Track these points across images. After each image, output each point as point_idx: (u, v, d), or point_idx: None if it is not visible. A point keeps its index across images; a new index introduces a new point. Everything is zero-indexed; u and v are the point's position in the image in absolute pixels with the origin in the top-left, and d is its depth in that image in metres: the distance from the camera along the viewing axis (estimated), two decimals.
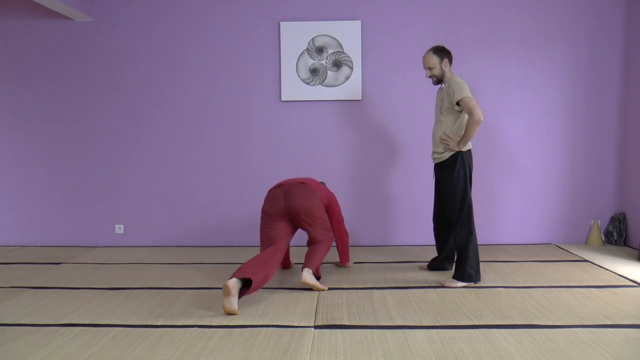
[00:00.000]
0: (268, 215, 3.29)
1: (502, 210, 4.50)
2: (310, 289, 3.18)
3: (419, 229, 4.43)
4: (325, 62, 4.42)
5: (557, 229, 4.52)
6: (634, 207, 4.33)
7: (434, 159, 3.46)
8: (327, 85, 4.43)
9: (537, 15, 4.38)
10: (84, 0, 4.34)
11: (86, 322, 2.64)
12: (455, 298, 3.00)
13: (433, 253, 3.76)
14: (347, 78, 4.42)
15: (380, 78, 4.44)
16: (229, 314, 2.73)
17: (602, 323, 2.57)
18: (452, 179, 3.27)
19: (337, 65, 4.42)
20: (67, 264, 3.94)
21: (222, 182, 4.55)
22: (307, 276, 3.13)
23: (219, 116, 4.52)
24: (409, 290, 3.17)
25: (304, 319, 2.66)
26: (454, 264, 3.41)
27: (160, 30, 4.50)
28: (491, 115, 4.35)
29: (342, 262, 3.76)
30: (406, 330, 2.49)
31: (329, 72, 4.42)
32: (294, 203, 3.24)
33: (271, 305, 2.89)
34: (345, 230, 3.68)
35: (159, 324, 2.62)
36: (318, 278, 3.30)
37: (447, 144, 3.28)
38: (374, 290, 3.18)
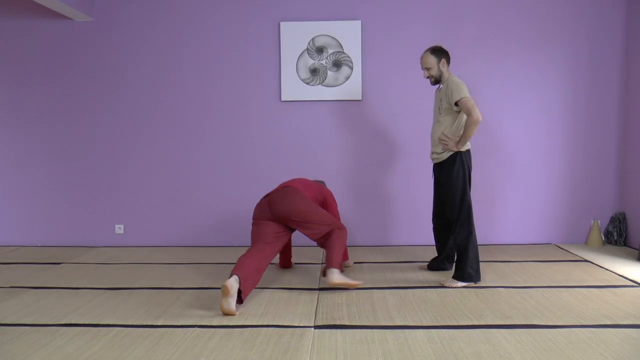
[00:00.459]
0: (257, 219, 3.26)
1: (502, 210, 4.50)
2: (329, 288, 3.14)
3: (419, 229, 4.43)
4: (325, 62, 4.42)
5: (557, 229, 4.52)
6: (634, 207, 4.33)
7: (432, 159, 3.46)
8: (327, 85, 4.43)
9: (537, 15, 4.38)
10: (84, 0, 4.34)
11: (86, 322, 2.64)
12: (455, 298, 3.00)
13: (433, 253, 3.76)
14: (347, 78, 4.42)
15: (380, 78, 4.44)
16: (227, 314, 2.73)
17: (602, 323, 2.57)
18: (451, 179, 3.27)
19: (337, 65, 4.42)
20: (67, 264, 3.94)
21: (222, 182, 4.55)
22: (334, 276, 3.07)
23: (219, 116, 4.52)
24: (409, 290, 3.17)
25: (304, 319, 2.66)
26: (454, 264, 3.41)
27: (160, 30, 4.50)
28: (491, 115, 4.36)
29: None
30: (406, 330, 2.49)
31: (329, 72, 4.42)
32: (278, 207, 3.17)
33: (271, 305, 2.89)
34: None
35: (159, 324, 2.62)
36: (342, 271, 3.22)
37: (446, 144, 3.28)
38: (374, 290, 3.18)
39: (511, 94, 4.43)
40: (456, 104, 3.20)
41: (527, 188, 4.48)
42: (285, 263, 3.73)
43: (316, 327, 2.56)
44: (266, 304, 2.91)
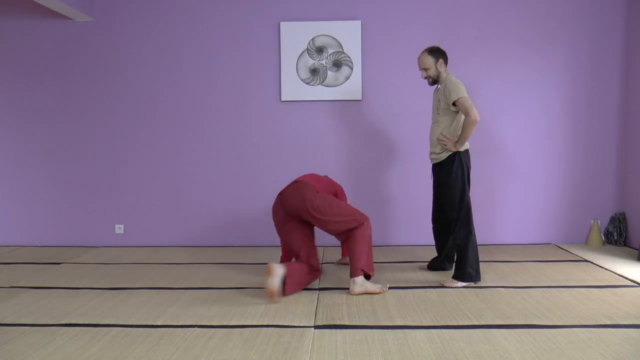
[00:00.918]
0: (276, 223, 3.33)
1: (502, 210, 4.50)
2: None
3: (419, 229, 4.42)
4: (325, 62, 4.42)
5: (557, 229, 4.52)
6: (634, 207, 4.33)
7: (431, 160, 3.46)
8: (327, 85, 4.43)
9: (537, 15, 4.38)
10: (84, 0, 4.34)
11: (86, 322, 2.64)
12: (455, 298, 3.00)
13: (433, 253, 3.76)
14: (347, 78, 4.42)
15: (380, 78, 4.44)
16: (270, 295, 2.82)
17: (602, 323, 2.57)
18: (450, 179, 3.27)
19: (337, 65, 4.42)
20: (67, 264, 3.94)
21: (222, 182, 4.55)
22: (355, 288, 3.05)
23: (219, 116, 4.52)
24: (409, 290, 3.17)
25: (304, 319, 2.66)
26: (454, 264, 3.41)
27: (160, 30, 4.50)
28: (491, 115, 4.36)
29: (345, 254, 3.74)
30: (406, 330, 2.49)
31: (329, 72, 4.42)
32: (290, 202, 3.15)
33: (271, 305, 2.89)
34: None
35: (159, 324, 2.62)
36: (368, 277, 3.13)
37: (445, 145, 3.28)
38: None
39: (511, 93, 4.43)
40: (454, 104, 3.20)
41: (527, 188, 4.48)
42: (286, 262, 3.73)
43: (316, 327, 2.56)
44: (266, 304, 2.91)
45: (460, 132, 3.22)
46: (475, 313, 2.74)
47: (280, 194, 3.32)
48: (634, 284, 3.25)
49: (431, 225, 3.63)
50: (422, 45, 3.63)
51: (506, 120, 4.44)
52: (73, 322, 2.65)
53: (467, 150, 3.33)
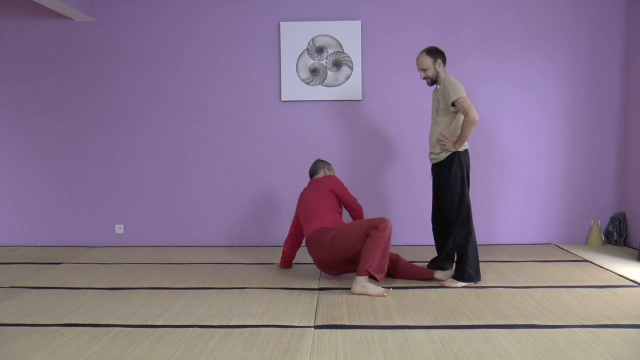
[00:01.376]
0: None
1: (502, 210, 4.50)
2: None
3: (419, 229, 4.42)
4: (325, 62, 4.42)
5: (557, 229, 4.52)
6: (634, 207, 4.33)
7: (431, 160, 3.46)
8: (327, 85, 4.43)
9: (537, 15, 4.38)
10: (84, 0, 4.34)
11: (86, 322, 2.64)
12: (455, 298, 3.00)
13: (433, 253, 3.76)
14: (347, 78, 4.42)
15: (380, 78, 4.44)
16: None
17: (602, 323, 2.57)
18: (450, 179, 3.27)
19: (337, 65, 4.42)
20: (67, 264, 3.94)
21: (222, 182, 4.55)
22: (356, 287, 3.07)
23: (219, 116, 4.52)
24: (409, 290, 3.17)
25: (304, 319, 2.66)
26: (454, 264, 3.41)
27: (160, 30, 4.50)
28: (491, 115, 4.36)
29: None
30: (406, 330, 2.49)
31: (329, 72, 4.42)
32: (318, 257, 3.31)
33: (271, 305, 2.89)
34: (359, 206, 3.60)
35: (159, 324, 2.62)
36: (376, 280, 3.11)
37: (444, 145, 3.28)
38: None
39: (511, 94, 4.43)
40: (453, 104, 3.20)
41: (527, 188, 4.48)
42: (286, 264, 3.73)
43: (316, 327, 2.56)
44: (266, 304, 2.91)
45: (459, 133, 3.22)
46: (475, 313, 2.74)
47: (308, 242, 3.35)
48: (634, 284, 3.25)
49: (431, 226, 3.63)
50: (421, 45, 3.63)
51: (506, 120, 4.44)
52: (73, 322, 2.65)
53: (466, 151, 3.33)
